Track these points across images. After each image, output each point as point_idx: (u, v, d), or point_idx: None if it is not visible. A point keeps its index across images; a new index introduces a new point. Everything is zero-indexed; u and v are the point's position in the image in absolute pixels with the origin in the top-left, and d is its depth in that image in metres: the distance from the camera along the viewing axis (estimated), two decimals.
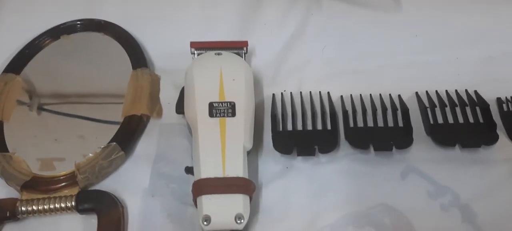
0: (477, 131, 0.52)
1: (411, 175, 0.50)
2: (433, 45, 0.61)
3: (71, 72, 0.58)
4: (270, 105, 0.54)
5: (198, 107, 0.49)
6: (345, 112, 0.54)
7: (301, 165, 0.52)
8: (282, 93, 0.57)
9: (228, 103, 0.49)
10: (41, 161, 0.50)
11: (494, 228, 0.46)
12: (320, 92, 0.57)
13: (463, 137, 0.51)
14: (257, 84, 0.58)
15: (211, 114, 0.48)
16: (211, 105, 0.49)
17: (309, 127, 0.53)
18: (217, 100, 0.49)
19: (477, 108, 0.53)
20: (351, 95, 0.56)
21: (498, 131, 0.51)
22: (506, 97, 0.55)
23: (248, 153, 0.50)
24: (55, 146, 0.52)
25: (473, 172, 0.50)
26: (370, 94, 0.56)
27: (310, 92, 0.57)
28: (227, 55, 0.54)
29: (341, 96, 0.56)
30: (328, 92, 0.57)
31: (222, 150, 0.46)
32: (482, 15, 0.63)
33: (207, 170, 0.45)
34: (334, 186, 0.50)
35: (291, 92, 0.57)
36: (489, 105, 0.53)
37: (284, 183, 0.50)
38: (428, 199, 0.49)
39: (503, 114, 0.53)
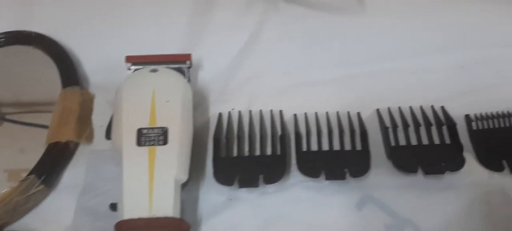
0: (442, 154, 0.46)
1: (368, 205, 0.45)
2: (398, 54, 0.55)
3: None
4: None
5: (124, 134, 0.43)
6: (297, 135, 0.48)
7: (246, 195, 0.46)
8: (229, 112, 0.51)
9: (160, 129, 0.43)
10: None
11: None
12: (271, 111, 0.51)
13: (427, 162, 0.45)
14: (203, 101, 0.53)
15: (139, 143, 0.42)
16: (139, 132, 0.43)
17: (258, 152, 0.48)
18: (147, 126, 0.43)
19: (444, 127, 0.48)
20: (305, 113, 0.50)
21: (465, 153, 0.46)
22: (475, 115, 0.49)
23: (185, 184, 0.44)
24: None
25: (437, 201, 0.45)
26: (327, 113, 0.50)
27: (261, 111, 0.51)
28: (163, 72, 0.48)
29: (295, 115, 0.50)
30: (281, 111, 0.51)
31: (149, 184, 0.41)
32: (453, 21, 0.57)
33: (131, 208, 0.40)
34: (281, 219, 0.45)
35: (239, 111, 0.51)
36: (456, 124, 0.47)
37: (227, 217, 0.45)
38: None
39: (471, 133, 0.48)
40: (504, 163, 0.46)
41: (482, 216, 0.43)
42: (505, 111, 0.49)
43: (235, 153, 0.48)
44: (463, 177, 0.46)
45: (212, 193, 0.46)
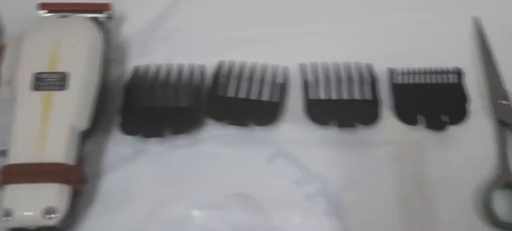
0: (358, 109, 0.45)
1: (279, 159, 0.43)
2: (329, 14, 0.54)
3: None
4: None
5: (19, 78, 0.41)
6: (215, 82, 0.46)
7: (154, 148, 0.44)
8: (147, 65, 0.49)
9: (59, 74, 0.41)
10: None
11: (359, 221, 0.40)
12: (191, 64, 0.49)
13: (340, 115, 0.44)
14: (123, 55, 0.50)
15: (36, 87, 0.40)
16: (36, 76, 0.41)
17: (171, 104, 0.46)
18: (45, 70, 0.41)
19: (366, 83, 0.46)
20: (221, 63, 0.48)
21: (386, 110, 0.45)
22: (397, 69, 0.47)
23: (89, 134, 0.42)
24: None
25: (349, 156, 0.43)
26: (250, 64, 0.48)
27: (180, 64, 0.49)
28: (74, 19, 0.46)
29: (219, 64, 0.48)
30: (203, 65, 0.49)
31: (41, 129, 0.39)
32: None
33: (19, 153, 0.38)
34: (189, 173, 0.43)
35: (158, 65, 0.49)
36: (375, 79, 0.46)
37: (130, 169, 0.43)
38: (294, 187, 0.42)
39: (393, 87, 0.46)
40: (420, 117, 0.44)
41: (393, 171, 0.42)
42: (428, 68, 0.47)
43: (146, 104, 0.46)
44: (380, 133, 0.44)
45: (120, 146, 0.44)
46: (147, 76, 0.48)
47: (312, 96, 0.46)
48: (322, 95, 0.46)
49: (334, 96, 0.46)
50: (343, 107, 0.45)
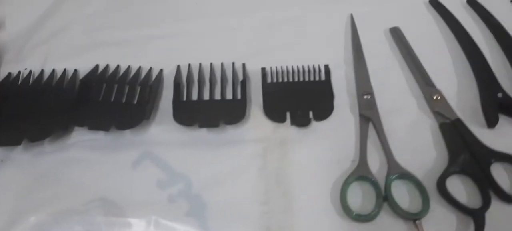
0: (224, 109, 0.45)
1: (145, 162, 0.43)
2: (206, 12, 0.54)
3: None
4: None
5: None
6: (84, 86, 0.46)
7: (20, 156, 0.44)
8: (20, 71, 0.48)
9: None
10: None
11: (219, 221, 0.40)
12: (65, 69, 0.48)
13: (204, 116, 0.44)
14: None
15: None
16: None
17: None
18: None
19: (238, 83, 0.47)
20: (105, 67, 0.48)
21: (257, 107, 0.46)
22: (270, 68, 0.48)
23: None
24: None
25: (215, 156, 0.44)
26: (120, 66, 0.48)
27: (54, 69, 0.48)
28: None
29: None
30: (76, 70, 0.49)
31: None
32: None
33: None
34: (53, 180, 0.43)
35: (31, 71, 0.48)
36: (245, 79, 0.47)
37: None
38: (157, 189, 0.42)
39: (264, 86, 0.47)
40: (287, 115, 0.45)
41: (257, 169, 0.43)
42: (299, 67, 0.48)
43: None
44: (248, 131, 0.45)
45: None
46: (17, 83, 0.47)
47: (182, 98, 0.46)
48: (195, 97, 0.46)
49: (206, 97, 0.47)
50: (210, 108, 0.45)
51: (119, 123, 0.43)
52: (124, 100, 0.46)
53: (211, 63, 0.49)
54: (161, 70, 0.49)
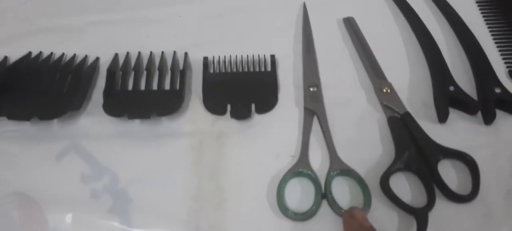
0: (157, 100, 0.42)
1: (70, 155, 0.40)
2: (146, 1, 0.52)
3: None
4: None
5: None
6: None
7: None
8: None
9: None
10: None
11: (143, 218, 0.37)
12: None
13: (137, 106, 0.41)
14: None
15: None
16: None
17: None
18: None
19: (176, 73, 0.44)
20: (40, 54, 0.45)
21: (196, 99, 0.43)
22: (212, 58, 0.45)
23: None
24: None
25: (146, 149, 0.41)
26: (54, 53, 0.45)
27: None
28: None
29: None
30: (6, 56, 0.46)
31: None
32: None
33: None
34: None
35: None
36: (185, 69, 0.44)
37: None
38: (80, 184, 0.39)
39: (205, 76, 0.44)
40: (228, 107, 0.42)
41: (190, 163, 0.40)
42: (244, 57, 0.45)
43: None
44: (185, 124, 0.42)
45: None
46: None
47: (116, 87, 0.43)
48: (130, 87, 0.44)
49: (142, 87, 0.44)
50: (144, 98, 0.42)
51: (42, 112, 0.40)
52: (53, 89, 0.43)
53: (151, 52, 0.46)
54: (98, 58, 0.46)
